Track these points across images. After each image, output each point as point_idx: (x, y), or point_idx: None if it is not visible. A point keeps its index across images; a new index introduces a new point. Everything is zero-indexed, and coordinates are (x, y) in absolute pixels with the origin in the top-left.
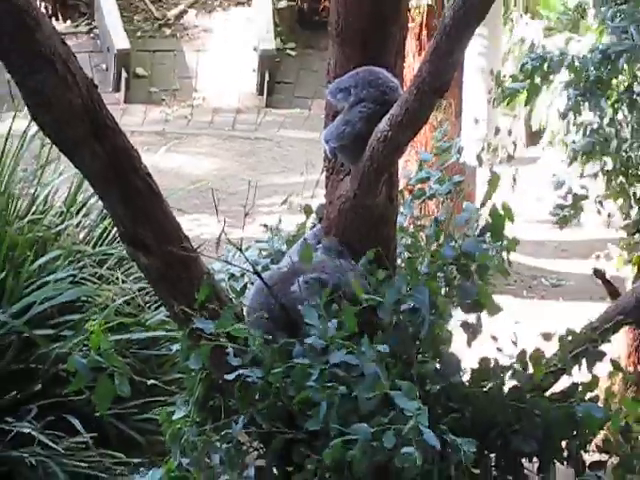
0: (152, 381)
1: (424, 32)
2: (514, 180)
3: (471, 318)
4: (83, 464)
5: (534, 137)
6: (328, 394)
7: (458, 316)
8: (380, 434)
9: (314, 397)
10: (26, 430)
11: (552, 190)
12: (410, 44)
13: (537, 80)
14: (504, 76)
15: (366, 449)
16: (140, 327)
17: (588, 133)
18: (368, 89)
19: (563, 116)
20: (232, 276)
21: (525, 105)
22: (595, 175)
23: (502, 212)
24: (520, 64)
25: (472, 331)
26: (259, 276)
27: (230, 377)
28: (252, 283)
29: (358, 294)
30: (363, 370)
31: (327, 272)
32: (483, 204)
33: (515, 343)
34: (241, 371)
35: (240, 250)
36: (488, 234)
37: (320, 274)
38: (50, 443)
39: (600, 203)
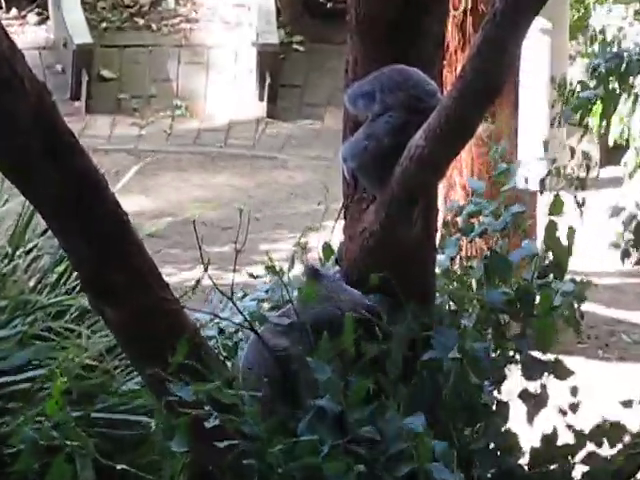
0: (122, 465)
1: (469, 21)
2: (579, 205)
3: (532, 387)
4: None
5: (611, 154)
6: (344, 472)
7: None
8: None
9: (327, 477)
10: None
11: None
12: (451, 36)
13: (613, 86)
14: (570, 84)
15: None
16: (108, 396)
17: None
18: (397, 94)
19: None
20: (222, 332)
21: (600, 121)
22: None
23: (565, 242)
24: (590, 66)
25: (534, 402)
26: (252, 328)
27: (221, 445)
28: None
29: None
30: (388, 445)
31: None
32: (547, 237)
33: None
34: (234, 442)
35: (230, 298)
36: (552, 276)
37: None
38: None
39: None
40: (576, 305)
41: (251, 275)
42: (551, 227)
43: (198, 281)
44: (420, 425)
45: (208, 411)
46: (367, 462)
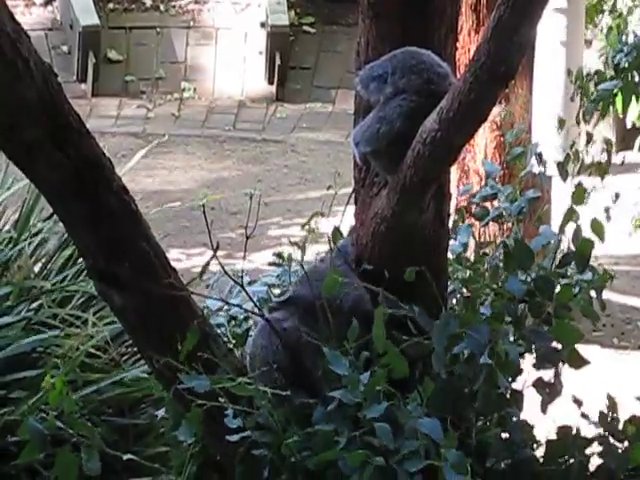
0: (129, 456)
1: (483, 2)
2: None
3: (547, 375)
4: None
5: (627, 138)
6: (362, 464)
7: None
8: None
9: (343, 469)
10: None
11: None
12: (465, 18)
13: (633, 76)
14: (587, 74)
15: None
16: (114, 386)
17: None
18: (409, 77)
19: None
20: (232, 319)
21: (623, 111)
22: None
23: (591, 234)
24: (609, 57)
25: (549, 391)
26: (261, 314)
27: (233, 439)
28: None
29: (378, 345)
30: (407, 436)
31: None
32: (562, 227)
33: (607, 408)
34: (247, 434)
35: (240, 285)
36: (571, 265)
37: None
38: None
39: None
40: (595, 295)
41: (277, 255)
42: (572, 216)
43: (206, 265)
44: (436, 430)
45: (222, 402)
46: (382, 455)
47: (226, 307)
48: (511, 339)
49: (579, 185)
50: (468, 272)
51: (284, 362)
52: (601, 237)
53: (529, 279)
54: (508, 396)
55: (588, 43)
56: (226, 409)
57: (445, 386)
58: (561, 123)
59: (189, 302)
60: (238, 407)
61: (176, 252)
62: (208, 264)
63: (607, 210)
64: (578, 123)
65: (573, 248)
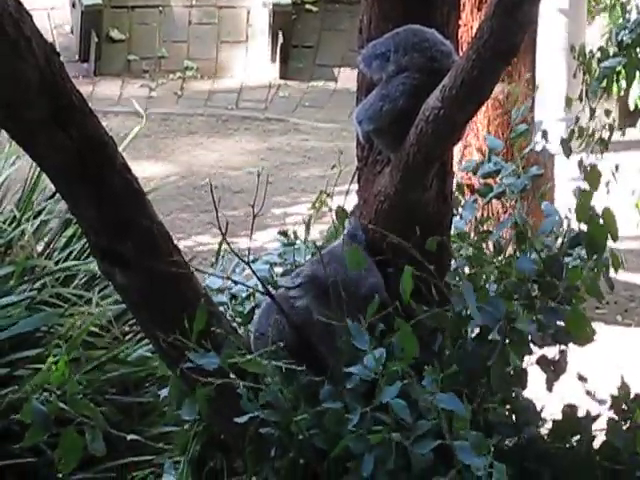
0: (133, 436)
1: None
2: (613, 176)
3: (550, 353)
4: None
5: (631, 117)
6: (377, 442)
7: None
8: None
9: (354, 448)
10: None
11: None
12: None
13: (637, 53)
14: (590, 51)
15: None
16: (117, 365)
17: None
18: (412, 54)
19: None
20: (234, 297)
21: (627, 87)
22: None
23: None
24: (613, 34)
25: (554, 369)
26: (267, 291)
27: (242, 420)
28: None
29: (405, 298)
30: (421, 412)
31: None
32: (580, 209)
33: (617, 390)
34: (256, 413)
35: (246, 263)
36: (579, 247)
37: (312, 269)
38: None
39: None
40: (602, 276)
41: (282, 233)
42: (588, 199)
43: (220, 247)
44: (455, 404)
45: (232, 380)
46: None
47: (228, 285)
48: None
49: (594, 167)
50: (471, 249)
51: (290, 340)
52: (613, 231)
53: (539, 259)
54: (512, 375)
55: (591, 16)
56: (235, 387)
57: (462, 360)
58: (568, 102)
59: (192, 280)
60: (248, 384)
61: (179, 231)
62: (221, 246)
63: (607, 184)
64: (581, 100)
65: (581, 228)
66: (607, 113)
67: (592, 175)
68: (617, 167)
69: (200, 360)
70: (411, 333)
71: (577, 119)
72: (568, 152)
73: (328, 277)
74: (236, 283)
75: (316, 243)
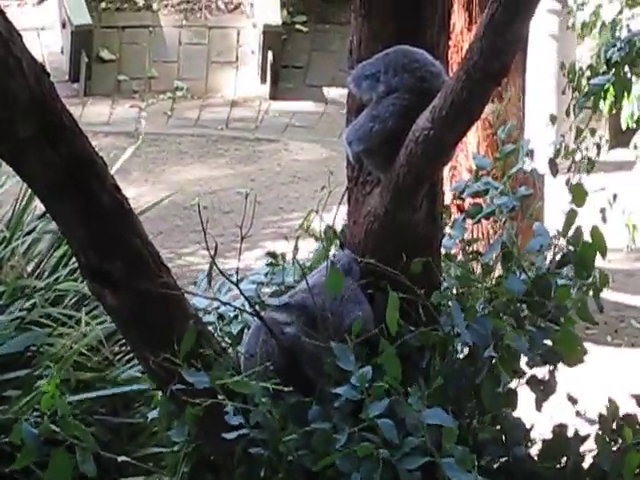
0: (123, 457)
1: (475, 1)
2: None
3: (540, 373)
4: None
5: (622, 136)
6: (364, 456)
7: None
8: None
9: (342, 467)
10: None
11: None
12: (458, 17)
13: (625, 72)
14: (580, 69)
15: None
16: (107, 385)
17: None
18: (402, 75)
19: None
20: (221, 317)
21: (615, 106)
22: None
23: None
24: (602, 52)
25: (543, 389)
26: (257, 314)
27: (230, 436)
28: (249, 327)
29: (392, 327)
30: (409, 430)
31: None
32: (566, 228)
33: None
34: (244, 431)
35: (235, 283)
36: (568, 267)
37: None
38: None
39: None
40: (591, 294)
41: (270, 254)
42: (573, 219)
43: (210, 269)
44: (443, 419)
45: (221, 400)
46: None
47: (215, 305)
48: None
49: (579, 186)
50: (459, 269)
51: (279, 362)
52: (601, 249)
53: (528, 279)
54: (502, 395)
55: (581, 38)
56: (224, 407)
57: (450, 377)
58: (553, 119)
59: (182, 301)
60: (237, 404)
61: (169, 251)
62: (211, 268)
63: (603, 211)
64: (567, 115)
65: (570, 248)
66: (592, 132)
67: (578, 193)
68: (615, 197)
69: (191, 378)
70: (394, 355)
71: (563, 137)
72: (555, 172)
73: (317, 307)
74: (224, 304)
75: (305, 265)
